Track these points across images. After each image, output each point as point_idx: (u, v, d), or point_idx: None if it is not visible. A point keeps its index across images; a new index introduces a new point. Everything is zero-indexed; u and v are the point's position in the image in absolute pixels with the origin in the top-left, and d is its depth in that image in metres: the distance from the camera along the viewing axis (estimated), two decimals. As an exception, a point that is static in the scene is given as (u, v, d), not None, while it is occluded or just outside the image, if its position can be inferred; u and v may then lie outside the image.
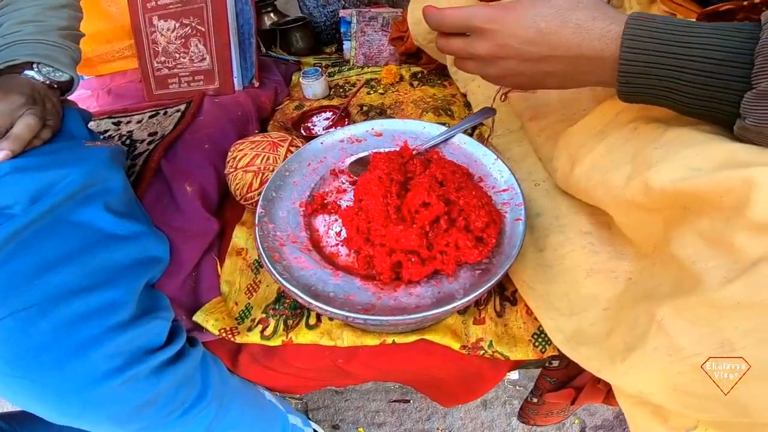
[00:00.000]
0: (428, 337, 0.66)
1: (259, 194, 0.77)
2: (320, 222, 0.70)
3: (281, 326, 0.70)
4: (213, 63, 1.24)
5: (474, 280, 0.58)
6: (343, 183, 0.75)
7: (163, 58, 1.30)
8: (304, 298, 0.56)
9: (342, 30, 1.47)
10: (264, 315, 0.72)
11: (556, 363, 0.74)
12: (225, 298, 0.75)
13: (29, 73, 0.78)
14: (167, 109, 1.21)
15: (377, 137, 0.79)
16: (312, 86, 1.24)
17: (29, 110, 0.68)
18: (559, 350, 0.58)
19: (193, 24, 1.25)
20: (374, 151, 0.76)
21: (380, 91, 1.24)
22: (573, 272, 0.60)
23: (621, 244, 0.59)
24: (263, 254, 0.61)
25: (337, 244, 0.67)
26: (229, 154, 0.81)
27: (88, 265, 0.59)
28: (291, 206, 0.70)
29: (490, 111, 0.77)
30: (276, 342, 0.69)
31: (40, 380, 0.53)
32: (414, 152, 0.73)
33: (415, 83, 1.25)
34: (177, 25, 1.26)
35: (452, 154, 0.75)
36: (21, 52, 0.79)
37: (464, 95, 1.12)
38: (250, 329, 0.70)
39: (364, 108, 1.17)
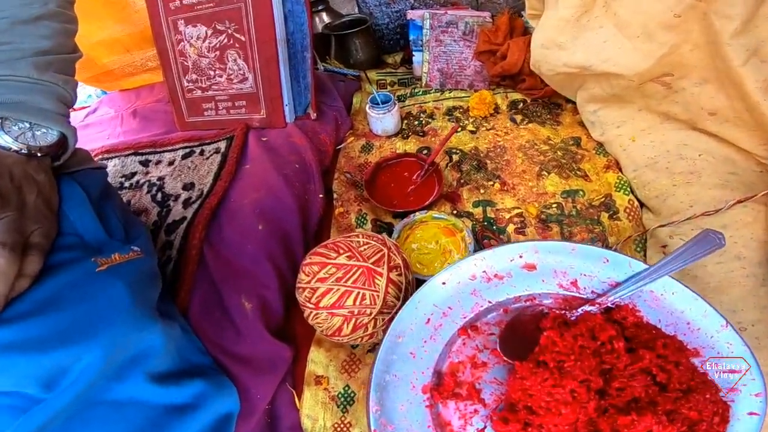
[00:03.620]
0: None
1: (350, 338, 0.56)
2: (453, 413, 0.49)
3: None
4: (257, 85, 1.01)
5: None
6: (481, 351, 0.53)
7: (194, 76, 1.06)
8: None
9: (411, 37, 1.21)
10: None
11: None
12: None
13: None
14: (204, 147, 1.00)
15: (528, 271, 0.55)
16: (383, 120, 1.01)
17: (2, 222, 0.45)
18: None
19: (230, 31, 1.00)
20: (529, 296, 0.54)
21: (470, 128, 1.00)
22: None
23: None
24: None
25: None
26: (303, 276, 0.59)
27: None
28: (411, 393, 0.49)
29: (716, 239, 0.51)
30: None
31: None
32: (595, 308, 0.50)
33: (518, 118, 1.00)
34: (209, 32, 1.02)
35: (651, 309, 0.51)
36: None
37: (599, 143, 0.89)
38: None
39: (454, 156, 0.93)
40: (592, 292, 0.53)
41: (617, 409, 0.44)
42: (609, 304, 0.51)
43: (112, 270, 0.51)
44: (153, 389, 0.51)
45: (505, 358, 0.50)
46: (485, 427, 0.48)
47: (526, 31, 1.08)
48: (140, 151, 1.03)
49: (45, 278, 0.47)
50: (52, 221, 0.51)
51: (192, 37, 1.03)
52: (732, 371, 0.47)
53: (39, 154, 0.54)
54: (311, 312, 0.57)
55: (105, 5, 1.09)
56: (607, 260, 0.53)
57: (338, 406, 0.64)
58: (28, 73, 0.56)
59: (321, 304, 0.56)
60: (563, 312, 0.52)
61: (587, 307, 0.52)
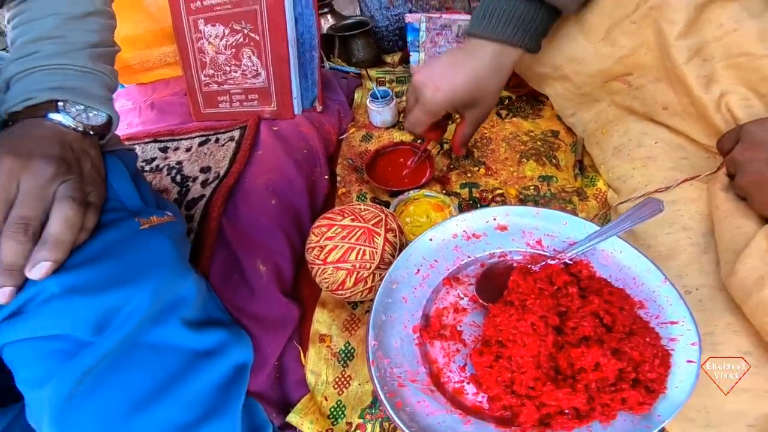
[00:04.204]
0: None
1: (351, 292, 0.67)
2: (438, 351, 0.60)
3: (377, 429, 0.66)
4: (269, 80, 1.11)
5: (632, 427, 0.51)
6: (462, 298, 0.64)
7: (211, 71, 1.17)
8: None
9: (409, 39, 1.31)
10: (361, 420, 0.67)
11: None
12: (312, 390, 0.71)
13: (54, 117, 0.60)
14: (218, 135, 1.11)
15: (501, 231, 0.67)
16: (381, 113, 1.11)
17: (64, 186, 0.51)
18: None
19: (246, 31, 1.10)
20: (501, 252, 0.65)
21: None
22: (722, 387, 0.57)
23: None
24: (386, 403, 0.52)
25: (461, 381, 0.57)
26: (313, 237, 0.69)
27: (183, 396, 0.54)
28: (403, 332, 0.60)
29: (656, 204, 0.63)
30: (374, 447, 0.61)
31: None
32: (557, 262, 0.61)
33: (504, 113, 1.11)
34: (227, 31, 1.12)
35: (603, 264, 0.62)
36: (41, 85, 0.62)
37: (569, 131, 1.02)
38: (347, 433, 0.62)
39: (445, 146, 1.04)
40: (554, 249, 0.64)
41: (571, 345, 0.54)
42: (567, 260, 0.62)
43: (153, 228, 0.59)
44: (185, 334, 0.57)
45: (481, 302, 0.61)
46: (465, 364, 0.58)
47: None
48: (159, 139, 1.13)
49: (97, 234, 0.53)
50: (102, 187, 0.58)
51: (211, 36, 1.14)
52: (672, 323, 0.56)
53: (91, 132, 0.62)
54: (319, 268, 0.67)
55: (130, 4, 1.19)
56: (566, 223, 0.64)
57: (339, 362, 0.73)
58: (84, 63, 0.65)
59: (328, 260, 0.66)
60: (529, 266, 0.63)
61: (549, 262, 0.62)
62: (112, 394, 0.50)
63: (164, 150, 1.11)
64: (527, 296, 0.56)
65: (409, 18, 1.30)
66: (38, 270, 0.46)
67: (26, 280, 0.47)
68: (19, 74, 0.62)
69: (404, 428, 0.50)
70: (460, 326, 0.62)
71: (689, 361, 0.53)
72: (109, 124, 0.66)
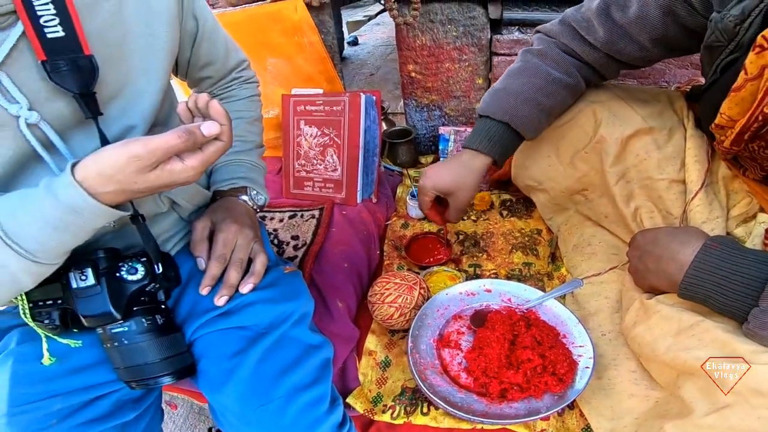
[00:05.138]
0: (509, 426, 1.00)
1: (396, 322, 1.16)
2: (447, 354, 1.10)
3: (402, 412, 1.03)
4: (343, 175, 1.62)
5: (553, 402, 0.95)
6: (462, 327, 1.16)
7: (303, 162, 1.70)
8: (442, 405, 0.95)
9: (440, 147, 1.84)
10: (392, 403, 1.05)
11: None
12: (362, 384, 1.11)
13: (245, 198, 0.97)
14: (303, 212, 1.61)
15: (487, 292, 1.21)
16: (416, 208, 1.61)
17: (257, 243, 0.91)
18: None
19: (332, 135, 1.62)
20: (487, 304, 1.18)
21: (473, 217, 1.62)
22: (620, 394, 0.97)
23: (654, 380, 0.95)
24: (416, 377, 1.00)
25: (459, 371, 1.06)
26: (376, 287, 1.20)
27: (305, 368, 0.85)
28: (428, 342, 1.11)
29: (578, 282, 1.14)
30: (399, 422, 1.03)
31: None
32: (517, 310, 1.11)
33: (505, 213, 1.62)
34: (318, 132, 1.64)
35: (545, 313, 1.14)
36: (238, 173, 0.98)
37: (548, 229, 1.49)
38: (383, 411, 1.05)
39: (460, 236, 1.55)
40: (517, 304, 1.14)
41: (518, 348, 1.02)
42: (524, 309, 1.13)
43: (291, 273, 0.98)
44: (308, 334, 0.89)
45: (473, 327, 1.12)
46: (461, 361, 1.07)
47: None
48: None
49: (267, 273, 0.91)
50: (263, 243, 0.95)
51: (307, 134, 1.66)
52: (580, 345, 1.04)
53: (257, 209, 1.01)
54: (378, 306, 1.17)
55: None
56: (525, 290, 1.16)
57: (380, 368, 1.14)
58: (256, 160, 1.05)
59: (384, 301, 1.16)
60: (501, 311, 1.12)
61: (513, 309, 1.12)
62: (273, 363, 0.82)
63: (263, 218, 1.60)
64: (497, 324, 1.06)
65: (442, 130, 1.83)
66: (247, 288, 0.86)
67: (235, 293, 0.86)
68: (220, 163, 0.99)
69: (426, 390, 0.98)
70: (460, 341, 1.12)
71: (586, 367, 1.00)
72: (264, 204, 1.06)
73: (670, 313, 0.88)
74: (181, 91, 1.64)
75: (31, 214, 0.59)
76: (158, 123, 0.83)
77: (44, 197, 0.58)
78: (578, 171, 1.23)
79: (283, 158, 1.73)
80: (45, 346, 0.76)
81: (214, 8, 1.85)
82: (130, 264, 0.75)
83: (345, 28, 4.24)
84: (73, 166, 0.59)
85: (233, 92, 1.08)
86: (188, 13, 0.87)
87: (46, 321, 0.73)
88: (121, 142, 0.59)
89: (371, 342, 1.22)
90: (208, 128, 0.62)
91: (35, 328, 0.73)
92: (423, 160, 1.99)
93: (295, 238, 1.50)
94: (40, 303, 0.72)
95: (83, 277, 0.71)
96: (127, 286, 0.74)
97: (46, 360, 0.76)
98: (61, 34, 0.63)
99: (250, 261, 0.91)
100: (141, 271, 0.76)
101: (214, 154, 0.64)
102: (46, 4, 0.62)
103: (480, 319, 1.13)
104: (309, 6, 1.66)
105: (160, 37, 0.78)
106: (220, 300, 0.83)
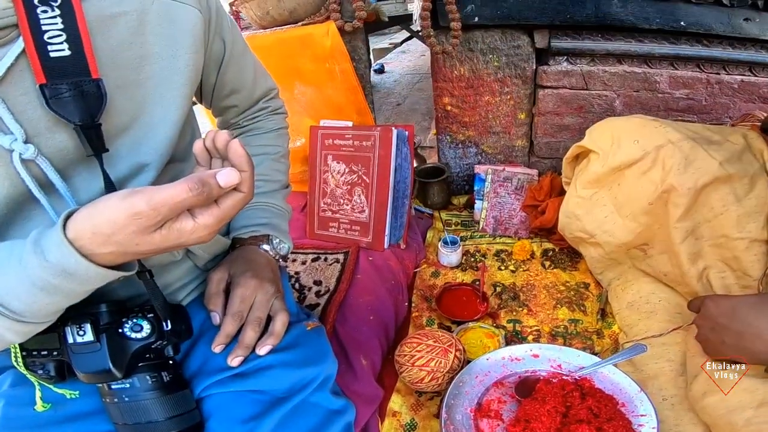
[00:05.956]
0: None
1: (426, 385, 1.05)
2: (485, 424, 0.96)
3: None
4: (370, 217, 1.54)
5: None
6: (504, 395, 1.02)
7: (329, 200, 1.62)
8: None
9: (476, 188, 1.74)
10: None
11: None
12: None
13: (266, 247, 0.90)
14: (327, 255, 1.53)
15: (534, 358, 1.07)
16: (449, 257, 1.53)
17: (277, 300, 0.82)
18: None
19: (360, 173, 1.54)
20: (534, 370, 1.04)
21: (511, 267, 1.50)
22: None
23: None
24: None
25: None
26: (405, 348, 1.09)
27: None
28: (464, 411, 0.98)
29: (641, 348, 1.01)
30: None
31: None
32: (570, 378, 0.98)
33: (547, 264, 1.50)
34: (346, 170, 1.57)
35: (601, 381, 1.00)
36: (260, 220, 0.91)
37: (597, 284, 1.37)
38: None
39: (498, 288, 1.44)
40: (569, 371, 0.99)
41: (571, 423, 0.89)
42: (576, 377, 0.98)
43: (314, 329, 0.87)
44: (330, 398, 0.81)
45: (518, 397, 0.98)
46: None
47: (563, 191, 1.48)
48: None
49: (288, 329, 0.81)
50: (284, 297, 0.87)
51: (334, 171, 1.59)
52: (642, 415, 0.91)
53: (278, 259, 0.93)
54: (408, 367, 1.05)
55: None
56: (579, 355, 1.01)
57: (404, 431, 1.06)
58: (280, 203, 0.95)
59: (415, 364, 1.04)
60: (551, 379, 0.98)
61: (564, 377, 0.98)
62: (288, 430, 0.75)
63: (285, 259, 1.51)
64: (548, 396, 0.92)
65: (478, 169, 1.73)
66: (264, 350, 0.76)
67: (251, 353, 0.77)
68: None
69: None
70: (501, 410, 0.99)
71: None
72: (287, 252, 0.96)
73: (752, 385, 0.82)
74: (207, 119, 1.59)
75: (15, 273, 0.51)
76: (176, 158, 0.76)
77: (31, 255, 0.51)
78: (640, 225, 1.14)
79: (308, 195, 1.66)
80: (38, 394, 0.69)
81: (245, 31, 1.81)
82: (134, 321, 0.68)
83: (372, 56, 4.21)
84: (67, 217, 0.52)
85: (259, 123, 1.00)
86: (216, 34, 0.81)
87: (40, 371, 0.67)
88: (122, 193, 0.51)
89: (396, 402, 1.11)
90: (226, 178, 0.53)
91: (28, 376, 0.67)
92: (455, 201, 1.90)
93: (317, 283, 1.41)
94: (35, 353, 0.66)
95: (81, 332, 0.64)
96: (130, 344, 0.67)
97: (40, 407, 0.70)
98: (67, 53, 0.56)
99: (269, 318, 0.83)
100: (147, 328, 0.68)
101: (231, 209, 0.56)
102: (54, 17, 0.55)
103: (527, 388, 0.99)
104: (341, 30, 1.57)
105: (182, 59, 0.71)
106: (234, 360, 0.75)
